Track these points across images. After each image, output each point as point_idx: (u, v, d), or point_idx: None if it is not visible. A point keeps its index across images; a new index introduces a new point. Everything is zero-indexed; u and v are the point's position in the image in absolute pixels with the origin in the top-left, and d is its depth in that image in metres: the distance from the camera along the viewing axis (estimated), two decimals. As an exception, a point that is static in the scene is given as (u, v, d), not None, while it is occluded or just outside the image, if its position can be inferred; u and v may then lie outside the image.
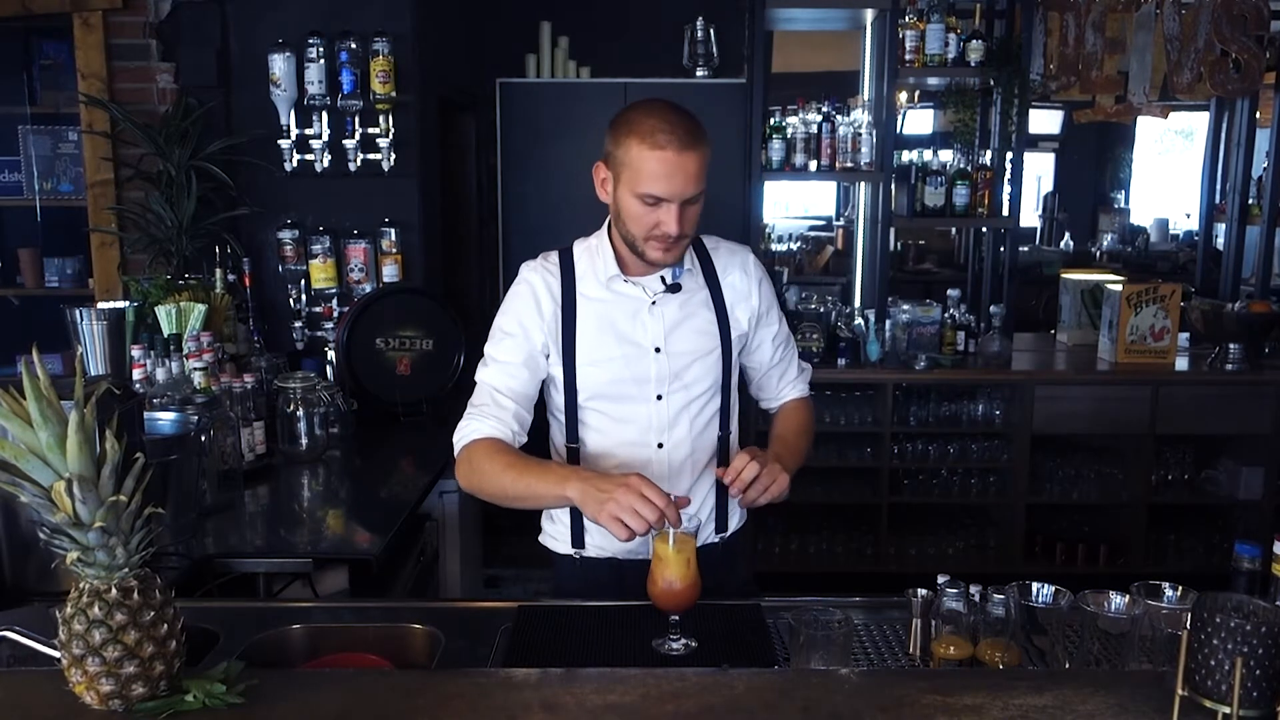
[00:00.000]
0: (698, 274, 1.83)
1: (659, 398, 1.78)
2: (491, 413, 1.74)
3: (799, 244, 6.95)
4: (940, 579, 1.46)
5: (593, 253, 1.81)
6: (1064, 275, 4.55)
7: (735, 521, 1.92)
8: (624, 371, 1.77)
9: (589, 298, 1.78)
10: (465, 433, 1.75)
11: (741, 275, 1.85)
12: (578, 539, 1.86)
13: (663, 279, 1.78)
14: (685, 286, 1.80)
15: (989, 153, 4.28)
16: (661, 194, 1.63)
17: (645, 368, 1.77)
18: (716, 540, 1.88)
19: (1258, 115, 4.72)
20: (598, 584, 1.83)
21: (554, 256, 1.83)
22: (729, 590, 1.79)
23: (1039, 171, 8.06)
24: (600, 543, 1.84)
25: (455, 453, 1.77)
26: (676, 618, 1.51)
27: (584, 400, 1.80)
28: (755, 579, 1.99)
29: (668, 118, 1.63)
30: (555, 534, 1.90)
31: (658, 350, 1.77)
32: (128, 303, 2.96)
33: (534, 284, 1.79)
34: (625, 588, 1.76)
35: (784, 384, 1.97)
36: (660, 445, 1.80)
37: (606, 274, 1.77)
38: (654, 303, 1.78)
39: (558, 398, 1.82)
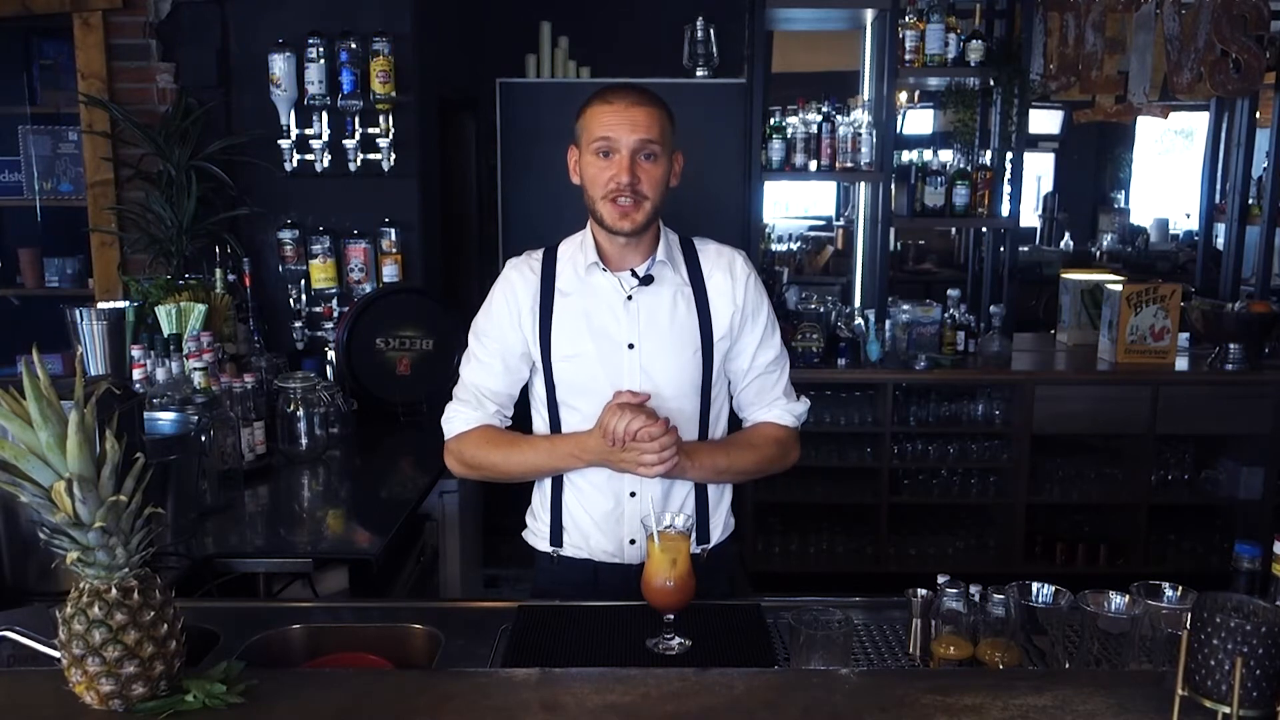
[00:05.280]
0: (680, 271, 1.81)
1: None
2: (476, 407, 1.82)
3: (799, 244, 6.95)
4: (940, 579, 1.45)
5: (576, 246, 1.83)
6: (1064, 275, 4.54)
7: (719, 533, 1.87)
8: (597, 367, 1.76)
9: (566, 293, 1.80)
10: (456, 423, 1.82)
11: (726, 276, 1.81)
12: (556, 538, 1.85)
13: (634, 272, 1.78)
14: (664, 282, 1.79)
15: (989, 153, 4.27)
16: (610, 135, 1.68)
17: (618, 364, 1.76)
18: (698, 551, 1.80)
19: (1258, 115, 4.71)
20: (573, 584, 1.82)
21: (538, 253, 1.86)
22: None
23: (1039, 171, 8.06)
24: (577, 543, 1.84)
25: (445, 438, 1.83)
26: (671, 617, 1.51)
27: (561, 395, 1.80)
28: (750, 586, 1.95)
29: (621, 84, 1.74)
30: (536, 531, 1.90)
31: (631, 346, 1.76)
32: (128, 303, 2.96)
33: (512, 281, 1.83)
34: (600, 590, 1.77)
35: (764, 402, 1.86)
36: None
37: (586, 262, 1.78)
38: (630, 298, 1.77)
39: (539, 390, 1.84)
